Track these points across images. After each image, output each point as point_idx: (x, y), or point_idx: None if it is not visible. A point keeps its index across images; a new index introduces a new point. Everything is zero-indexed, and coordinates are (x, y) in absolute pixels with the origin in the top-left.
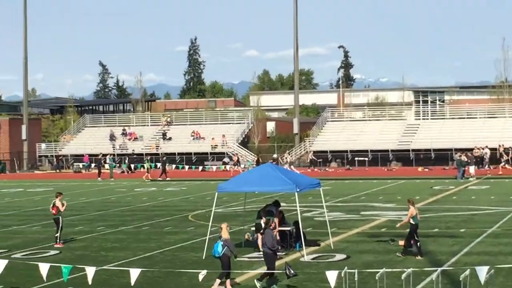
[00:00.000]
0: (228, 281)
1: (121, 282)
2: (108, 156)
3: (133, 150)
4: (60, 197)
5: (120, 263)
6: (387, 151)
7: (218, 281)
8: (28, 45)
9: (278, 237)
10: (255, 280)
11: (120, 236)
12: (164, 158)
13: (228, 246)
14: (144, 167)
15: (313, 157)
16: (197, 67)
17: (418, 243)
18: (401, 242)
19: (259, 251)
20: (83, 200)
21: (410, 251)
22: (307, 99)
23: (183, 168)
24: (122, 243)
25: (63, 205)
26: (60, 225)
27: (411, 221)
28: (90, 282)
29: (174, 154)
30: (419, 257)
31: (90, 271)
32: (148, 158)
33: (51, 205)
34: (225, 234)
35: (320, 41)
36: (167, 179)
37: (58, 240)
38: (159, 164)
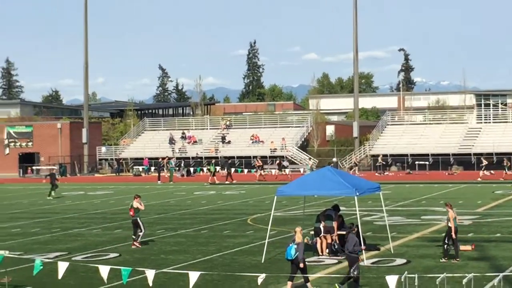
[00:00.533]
0: (309, 284)
1: (180, 285)
2: (173, 160)
3: (197, 153)
4: (137, 199)
5: (179, 266)
6: (448, 155)
7: (290, 283)
8: (89, 49)
9: (337, 241)
10: (337, 284)
11: (179, 239)
12: (228, 161)
13: (299, 251)
14: (204, 171)
15: (382, 161)
16: (256, 70)
17: (446, 246)
18: (463, 247)
19: (318, 255)
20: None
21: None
22: (367, 102)
23: (242, 171)
24: (181, 246)
25: (140, 205)
26: (141, 226)
27: (449, 224)
28: (150, 284)
29: (233, 157)
30: (444, 260)
31: (150, 274)
32: (213, 162)
33: (129, 207)
34: (299, 238)
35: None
36: (233, 181)
37: (137, 239)
38: (218, 168)
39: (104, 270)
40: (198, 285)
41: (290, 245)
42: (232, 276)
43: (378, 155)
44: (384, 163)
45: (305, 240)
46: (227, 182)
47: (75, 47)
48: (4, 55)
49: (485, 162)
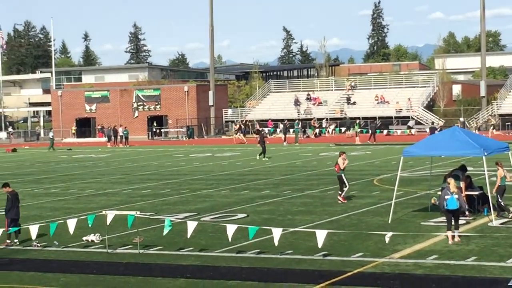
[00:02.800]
0: (457, 232)
1: (308, 245)
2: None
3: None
4: (343, 156)
5: (306, 226)
6: None
7: (450, 232)
8: (214, 12)
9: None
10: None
11: (306, 200)
12: (375, 123)
13: (459, 199)
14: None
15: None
16: (381, 31)
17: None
18: None
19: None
20: (268, 164)
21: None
22: (494, 61)
23: (367, 132)
24: (308, 207)
25: (343, 163)
26: (345, 181)
27: (499, 183)
28: (276, 244)
29: (358, 118)
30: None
31: (276, 233)
32: (357, 122)
33: (335, 163)
34: (454, 187)
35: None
36: (374, 142)
37: (342, 194)
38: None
39: (231, 229)
40: (325, 245)
41: (450, 196)
42: (359, 236)
43: (507, 115)
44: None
45: (433, 201)
46: (368, 142)
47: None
48: (131, 20)
49: None
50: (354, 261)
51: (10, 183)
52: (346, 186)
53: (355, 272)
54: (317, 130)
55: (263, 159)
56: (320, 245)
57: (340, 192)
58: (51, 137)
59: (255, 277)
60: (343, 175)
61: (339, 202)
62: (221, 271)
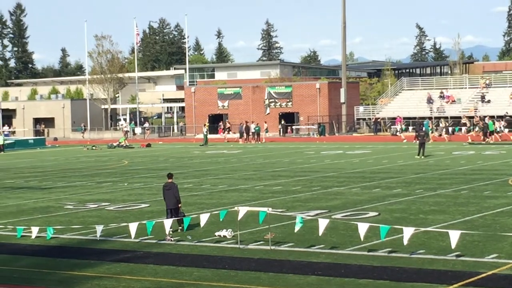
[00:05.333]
0: None
1: (440, 245)
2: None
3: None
4: None
5: (438, 226)
6: None
7: None
8: (347, 9)
9: None
10: None
11: (438, 199)
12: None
13: None
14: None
15: None
16: None
17: None
18: None
19: None
20: (400, 163)
21: None
22: None
23: (502, 131)
24: (440, 206)
25: None
26: None
27: None
28: (405, 243)
29: (493, 117)
30: None
31: (408, 232)
32: (493, 120)
33: None
34: None
35: None
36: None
37: None
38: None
39: (363, 228)
40: (458, 245)
41: None
42: (493, 237)
43: None
44: None
45: None
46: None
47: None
48: (264, 17)
49: None
50: (488, 262)
51: (145, 177)
52: None
53: (489, 273)
54: (450, 129)
55: (416, 157)
56: (453, 245)
57: None
58: (205, 132)
59: (386, 276)
60: None
61: None
62: (352, 269)
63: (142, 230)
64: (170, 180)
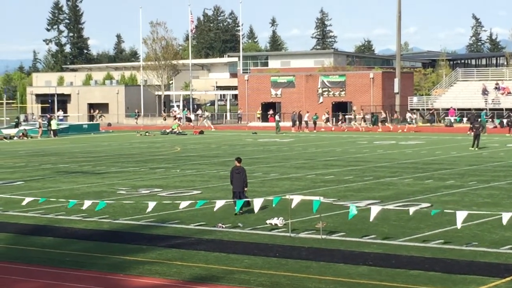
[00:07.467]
0: None
1: (493, 238)
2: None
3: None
4: None
5: (492, 218)
6: None
7: None
8: None
9: None
10: None
11: (492, 191)
12: None
13: None
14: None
15: None
16: None
17: None
18: None
19: None
20: (454, 154)
21: None
22: None
23: None
24: (494, 199)
25: None
26: None
27: None
28: (458, 227)
29: None
30: None
31: (460, 217)
32: None
33: None
34: None
35: None
36: None
37: None
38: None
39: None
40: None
41: None
42: None
43: None
44: None
45: None
46: None
47: None
48: (319, 5)
49: None
50: None
51: (198, 164)
52: None
53: None
54: (504, 120)
55: (470, 148)
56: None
57: None
58: (278, 119)
59: (438, 267)
60: None
61: None
62: (403, 260)
63: (193, 216)
64: (239, 164)
